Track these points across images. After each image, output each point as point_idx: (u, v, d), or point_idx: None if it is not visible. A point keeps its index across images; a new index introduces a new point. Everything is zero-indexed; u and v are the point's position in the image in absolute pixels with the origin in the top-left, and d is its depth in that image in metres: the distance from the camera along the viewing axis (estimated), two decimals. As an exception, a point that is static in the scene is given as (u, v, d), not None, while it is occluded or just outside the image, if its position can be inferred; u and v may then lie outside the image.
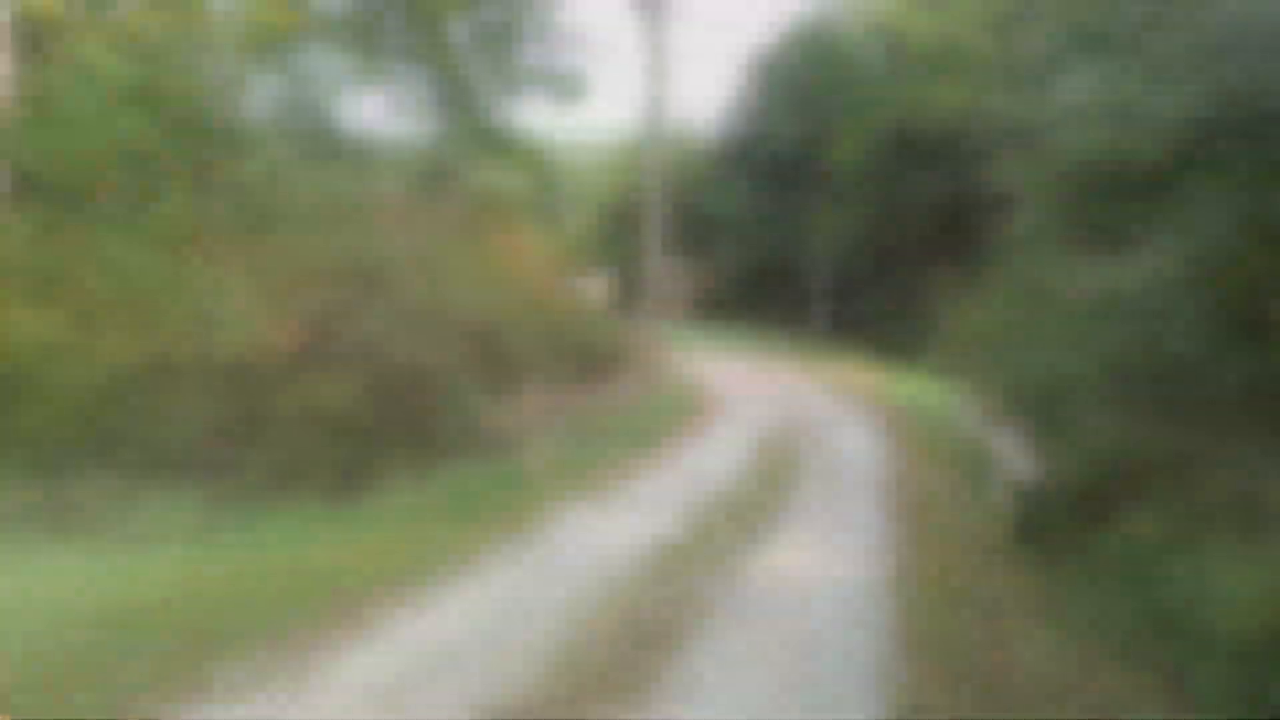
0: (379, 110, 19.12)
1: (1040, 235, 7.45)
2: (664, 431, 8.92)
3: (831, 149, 32.00)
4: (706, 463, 7.44)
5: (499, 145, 18.16)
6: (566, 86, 17.28)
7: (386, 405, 5.73)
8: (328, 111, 18.19)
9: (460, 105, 17.53)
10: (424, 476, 5.92)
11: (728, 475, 6.82)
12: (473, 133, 18.23)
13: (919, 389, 16.43)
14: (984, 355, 7.24)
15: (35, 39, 9.47)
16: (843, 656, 3.46)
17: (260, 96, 18.01)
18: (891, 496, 6.28)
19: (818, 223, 34.56)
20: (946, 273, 27.94)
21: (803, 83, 39.18)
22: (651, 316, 15.27)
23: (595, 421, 9.06)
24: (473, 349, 7.90)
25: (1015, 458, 5.29)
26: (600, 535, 4.96)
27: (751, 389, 13.95)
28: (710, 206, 55.71)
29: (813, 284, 37.20)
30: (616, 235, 66.41)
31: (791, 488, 6.39)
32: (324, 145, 18.42)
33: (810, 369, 19.49)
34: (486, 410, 6.86)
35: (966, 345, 8.18)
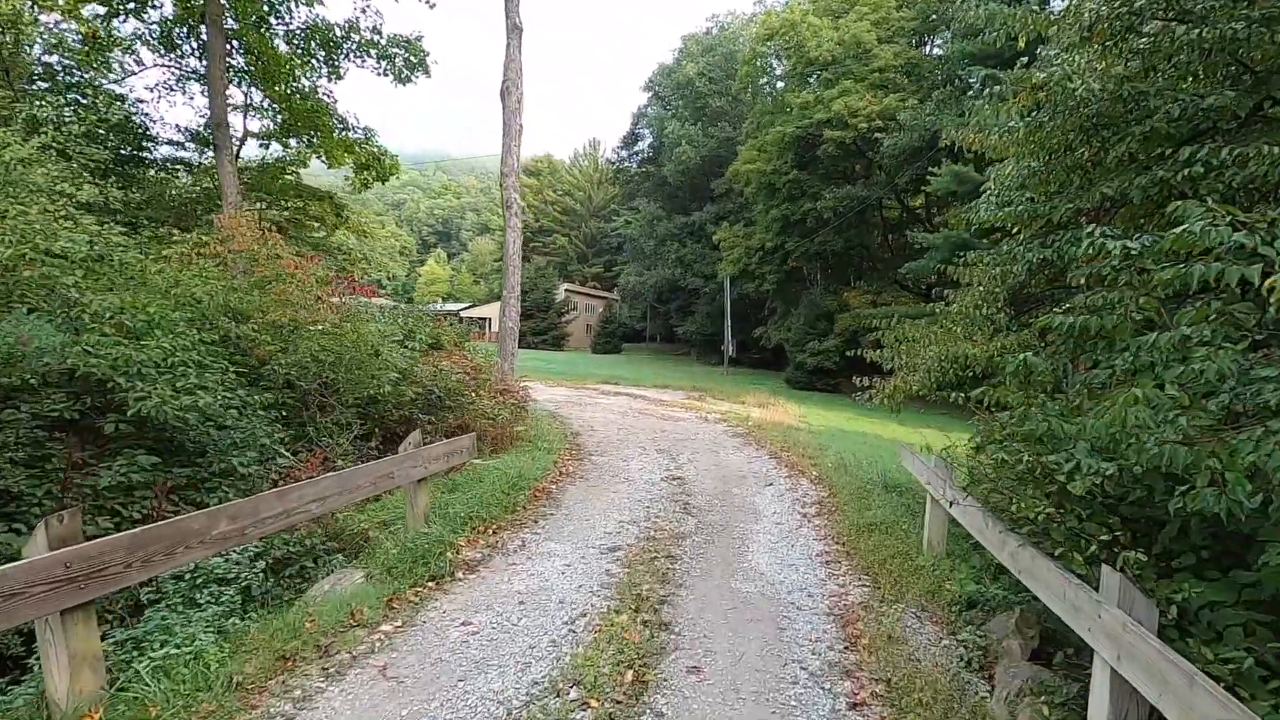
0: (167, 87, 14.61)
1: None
2: (479, 530, 5.41)
3: (733, 163, 30.14)
4: (529, 611, 3.98)
5: (314, 128, 14.09)
6: (402, 58, 13.57)
7: None
8: (96, 85, 13.56)
9: (264, 77, 13.39)
10: None
11: (554, 650, 3.43)
12: (282, 112, 14.05)
13: (850, 431, 13.83)
14: (966, 395, 4.36)
15: None
16: None
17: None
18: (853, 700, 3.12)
19: (722, 241, 32.42)
20: (862, 290, 26.28)
21: (702, 96, 37.61)
22: (511, 353, 11.75)
23: (356, 526, 5.40)
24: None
25: (1087, 609, 2.27)
26: None
27: (637, 443, 10.56)
28: (615, 229, 53.28)
29: (719, 307, 34.70)
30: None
31: (661, 666, 3.09)
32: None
33: (715, 406, 16.52)
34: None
35: (925, 377, 5.34)
